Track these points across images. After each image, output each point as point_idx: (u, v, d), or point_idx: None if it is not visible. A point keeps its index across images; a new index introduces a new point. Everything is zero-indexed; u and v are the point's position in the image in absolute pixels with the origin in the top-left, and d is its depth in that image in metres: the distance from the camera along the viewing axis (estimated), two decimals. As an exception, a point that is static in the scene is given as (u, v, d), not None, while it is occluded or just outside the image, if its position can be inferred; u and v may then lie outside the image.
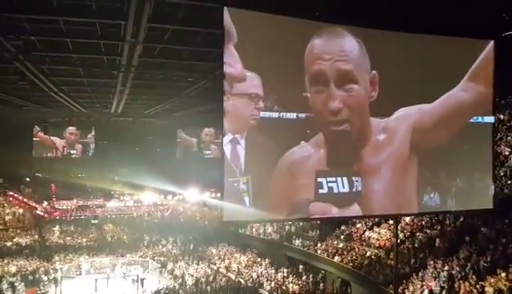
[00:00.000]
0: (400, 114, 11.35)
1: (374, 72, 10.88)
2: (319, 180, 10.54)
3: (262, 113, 10.19)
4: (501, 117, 21.81)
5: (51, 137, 28.92)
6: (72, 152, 29.82)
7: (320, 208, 10.67)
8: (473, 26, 12.18)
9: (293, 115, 10.48)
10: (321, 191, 10.60)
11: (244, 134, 10.05)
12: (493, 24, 12.88)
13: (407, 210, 12.38)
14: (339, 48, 10.64)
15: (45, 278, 28.79)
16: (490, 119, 12.45)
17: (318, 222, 27.45)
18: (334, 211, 10.80)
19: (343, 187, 10.79)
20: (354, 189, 10.90)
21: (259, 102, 10.12)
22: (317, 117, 10.58)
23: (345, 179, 10.78)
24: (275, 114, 10.32)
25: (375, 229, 24.22)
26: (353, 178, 10.89)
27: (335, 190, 10.71)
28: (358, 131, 10.85)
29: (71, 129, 29.38)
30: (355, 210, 11.10)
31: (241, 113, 10.02)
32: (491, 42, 12.42)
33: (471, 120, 12.21)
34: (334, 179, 10.66)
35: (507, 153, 20.42)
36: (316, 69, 10.41)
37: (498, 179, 18.09)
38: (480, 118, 12.33)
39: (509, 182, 18.95)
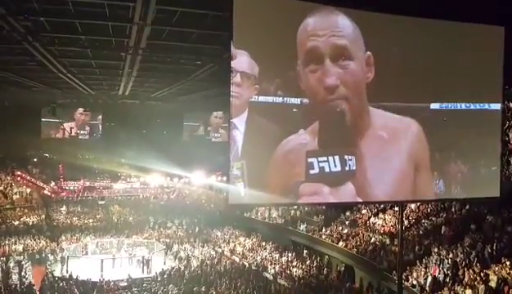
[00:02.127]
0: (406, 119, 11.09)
1: (368, 53, 10.58)
2: (310, 160, 10.10)
3: (261, 97, 9.88)
4: (510, 105, 21.61)
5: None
6: (82, 132, 30.02)
7: (310, 188, 10.23)
8: (484, 12, 11.94)
9: (297, 100, 10.21)
10: (312, 171, 10.15)
11: (242, 118, 9.76)
12: (505, 11, 12.64)
13: (409, 196, 12.18)
14: (334, 24, 10.26)
15: (51, 257, 29.32)
16: (496, 106, 12.27)
17: (323, 207, 27.57)
18: (326, 190, 10.31)
19: (335, 166, 10.32)
20: (347, 168, 10.51)
21: (259, 85, 9.87)
22: (313, 98, 10.19)
23: (337, 157, 10.32)
24: (278, 99, 10.00)
25: (380, 215, 24.31)
26: (346, 156, 10.44)
27: (327, 169, 10.28)
28: (355, 112, 10.53)
29: (81, 110, 29.59)
30: (349, 189, 10.60)
31: (239, 96, 9.69)
32: (502, 28, 12.19)
33: (478, 107, 12.04)
34: (325, 158, 10.22)
35: (516, 141, 20.30)
36: (310, 45, 10.00)
37: (506, 167, 18.01)
38: (487, 104, 12.15)
39: (516, 171, 18.89)
